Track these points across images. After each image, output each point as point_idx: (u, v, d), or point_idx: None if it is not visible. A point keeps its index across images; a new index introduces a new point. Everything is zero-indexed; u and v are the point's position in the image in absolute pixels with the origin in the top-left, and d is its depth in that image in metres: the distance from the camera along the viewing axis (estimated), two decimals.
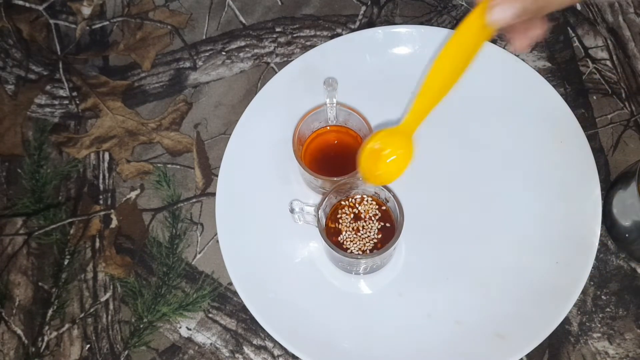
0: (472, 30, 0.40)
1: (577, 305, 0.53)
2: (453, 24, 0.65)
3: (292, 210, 0.49)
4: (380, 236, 0.51)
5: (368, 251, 0.50)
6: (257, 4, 0.68)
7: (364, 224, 0.51)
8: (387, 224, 0.51)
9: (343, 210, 0.52)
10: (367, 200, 0.52)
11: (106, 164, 0.61)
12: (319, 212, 0.49)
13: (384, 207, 0.52)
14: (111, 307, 0.55)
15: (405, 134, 0.45)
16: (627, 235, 0.53)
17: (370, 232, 0.51)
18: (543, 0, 0.39)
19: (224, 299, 0.55)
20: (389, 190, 0.49)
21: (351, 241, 0.51)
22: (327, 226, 0.51)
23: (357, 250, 0.51)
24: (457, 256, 0.54)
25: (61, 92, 0.64)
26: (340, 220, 0.52)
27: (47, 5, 0.69)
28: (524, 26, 0.41)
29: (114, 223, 0.58)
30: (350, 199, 0.52)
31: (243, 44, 0.66)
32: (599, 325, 0.52)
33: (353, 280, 0.54)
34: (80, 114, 0.63)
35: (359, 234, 0.51)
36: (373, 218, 0.52)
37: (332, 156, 0.56)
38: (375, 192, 0.52)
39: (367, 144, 0.46)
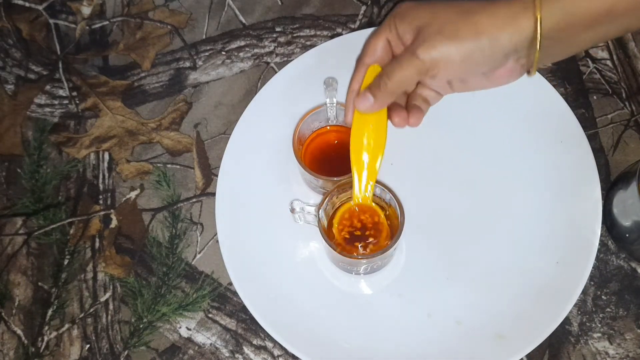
0: (359, 115, 0.49)
1: (578, 305, 0.53)
2: None
3: (292, 210, 0.49)
4: (380, 237, 0.51)
5: (368, 252, 0.50)
6: (257, 4, 0.68)
7: (365, 224, 0.51)
8: (388, 224, 0.51)
9: (344, 210, 0.52)
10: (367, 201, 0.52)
11: (106, 164, 0.61)
12: (320, 212, 0.49)
13: (384, 207, 0.52)
14: (111, 307, 0.55)
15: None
16: (627, 235, 0.53)
17: (371, 233, 0.51)
18: (393, 85, 0.46)
19: (223, 299, 0.55)
20: (390, 191, 0.49)
21: (351, 241, 0.51)
22: (327, 226, 0.51)
23: (357, 251, 0.51)
24: (457, 256, 0.54)
25: (61, 92, 0.64)
26: (341, 220, 0.52)
27: (46, 5, 0.69)
28: (402, 111, 0.49)
29: (114, 223, 0.58)
30: (351, 199, 0.52)
31: (243, 43, 0.66)
32: (599, 326, 0.52)
33: (353, 280, 0.54)
34: (80, 113, 0.63)
35: (360, 234, 0.51)
36: (374, 218, 0.51)
37: (332, 156, 0.56)
38: (376, 193, 0.52)
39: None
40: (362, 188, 0.50)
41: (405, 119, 0.49)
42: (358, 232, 0.50)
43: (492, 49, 0.42)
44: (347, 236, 0.50)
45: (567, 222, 0.54)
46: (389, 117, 0.49)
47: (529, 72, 0.45)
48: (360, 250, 0.50)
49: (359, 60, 0.50)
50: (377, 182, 0.50)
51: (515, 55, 0.42)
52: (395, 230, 0.49)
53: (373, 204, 0.51)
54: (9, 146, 0.62)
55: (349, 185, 0.51)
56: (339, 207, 0.52)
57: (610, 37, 0.45)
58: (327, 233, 0.50)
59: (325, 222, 0.51)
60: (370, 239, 0.50)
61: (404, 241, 0.54)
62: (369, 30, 0.62)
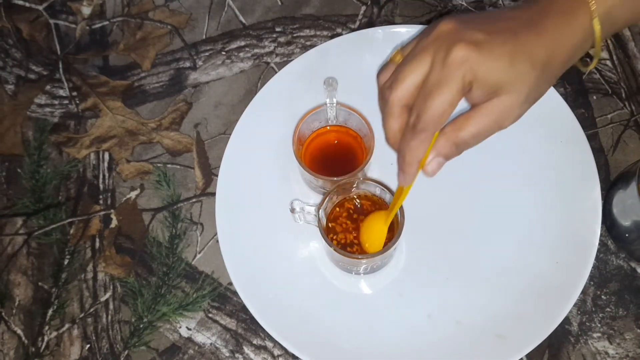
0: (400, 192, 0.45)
1: (577, 305, 0.53)
2: None
3: (292, 210, 0.49)
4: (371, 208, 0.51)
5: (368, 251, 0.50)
6: (257, 4, 0.68)
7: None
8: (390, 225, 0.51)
9: (344, 210, 0.52)
10: (367, 201, 0.52)
11: (106, 164, 0.61)
12: (320, 212, 0.49)
13: (385, 207, 0.52)
14: (111, 307, 0.55)
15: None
16: (627, 235, 0.53)
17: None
18: (461, 149, 0.41)
19: (223, 298, 0.55)
20: (390, 191, 0.49)
21: (351, 241, 0.51)
22: (327, 226, 0.51)
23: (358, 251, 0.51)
24: (457, 256, 0.54)
25: (61, 92, 0.64)
26: (341, 220, 0.52)
27: (47, 5, 0.69)
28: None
29: (114, 223, 0.58)
30: (351, 199, 0.52)
31: (243, 43, 0.66)
32: (599, 325, 0.52)
33: (353, 280, 0.54)
34: (80, 113, 0.63)
35: (360, 234, 0.51)
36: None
37: (332, 156, 0.56)
38: (376, 193, 0.52)
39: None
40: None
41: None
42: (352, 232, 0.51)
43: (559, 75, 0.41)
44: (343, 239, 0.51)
45: (566, 222, 0.54)
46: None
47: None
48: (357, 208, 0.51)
49: (423, 126, 0.39)
50: (377, 182, 0.50)
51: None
52: (395, 230, 0.49)
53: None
54: (9, 146, 0.62)
55: (350, 185, 0.51)
56: (338, 207, 0.52)
57: None
58: (327, 233, 0.50)
59: (325, 222, 0.51)
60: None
61: (404, 241, 0.54)
62: (369, 30, 0.62)
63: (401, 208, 0.48)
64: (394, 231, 0.49)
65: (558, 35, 0.40)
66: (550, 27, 0.39)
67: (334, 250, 0.48)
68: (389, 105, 0.41)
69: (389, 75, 0.42)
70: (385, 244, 0.49)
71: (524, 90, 0.39)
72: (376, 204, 0.52)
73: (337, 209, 0.52)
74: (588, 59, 0.43)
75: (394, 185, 0.51)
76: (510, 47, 0.38)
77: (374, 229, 0.50)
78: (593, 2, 0.39)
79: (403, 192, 0.45)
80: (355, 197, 0.52)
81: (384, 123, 0.42)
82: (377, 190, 0.51)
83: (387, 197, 0.50)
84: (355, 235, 0.51)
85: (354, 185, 0.51)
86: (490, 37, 0.38)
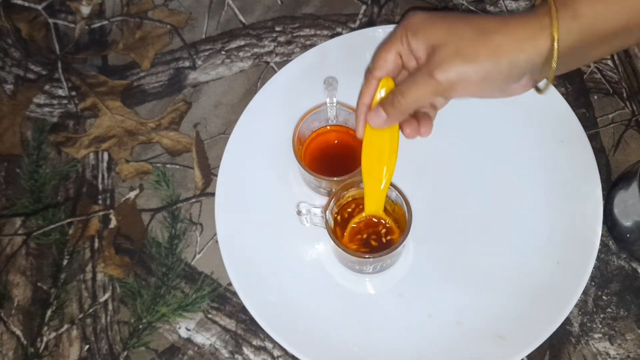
0: (370, 130, 0.49)
1: (578, 305, 0.52)
2: None
3: (299, 213, 0.49)
4: (388, 235, 0.51)
5: (377, 250, 0.50)
6: (256, 3, 0.68)
7: (372, 223, 0.51)
8: (395, 223, 0.51)
9: (350, 210, 0.52)
10: None
11: (105, 164, 0.60)
12: (327, 214, 0.49)
13: (391, 206, 0.52)
14: (110, 307, 0.55)
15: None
16: (628, 235, 0.53)
17: (378, 232, 0.51)
18: (407, 104, 0.45)
19: (223, 299, 0.54)
20: (396, 188, 0.49)
21: (359, 241, 0.51)
22: (334, 227, 0.51)
23: (365, 250, 0.50)
24: (457, 256, 0.54)
25: (60, 92, 0.64)
26: (348, 221, 0.52)
27: (46, 5, 0.69)
28: (413, 122, 0.48)
29: (113, 223, 0.58)
30: (356, 199, 0.52)
31: (243, 43, 0.66)
32: (600, 326, 0.52)
33: (353, 280, 0.53)
34: (79, 113, 0.63)
35: (367, 233, 0.51)
36: (380, 217, 0.51)
37: (332, 156, 0.56)
38: None
39: None
40: (374, 200, 0.50)
41: (417, 129, 0.48)
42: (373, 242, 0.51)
43: (510, 69, 0.41)
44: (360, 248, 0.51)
45: (567, 222, 0.54)
46: (400, 128, 0.49)
47: (538, 89, 0.46)
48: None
49: (369, 72, 0.48)
50: None
51: (530, 72, 0.42)
52: (402, 228, 0.49)
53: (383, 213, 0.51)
54: (8, 146, 0.62)
55: (355, 185, 0.51)
56: (346, 208, 0.52)
57: (624, 48, 0.45)
58: (335, 234, 0.50)
59: (332, 223, 0.51)
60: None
61: (411, 240, 0.54)
62: (370, 30, 0.62)
63: (408, 205, 0.48)
64: (401, 229, 0.49)
65: (514, 31, 0.41)
66: (510, 32, 0.41)
67: (343, 250, 0.48)
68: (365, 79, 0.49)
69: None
70: (393, 242, 0.49)
71: (457, 44, 0.42)
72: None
73: (345, 208, 0.52)
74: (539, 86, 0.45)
75: (398, 184, 0.50)
76: (457, 20, 0.43)
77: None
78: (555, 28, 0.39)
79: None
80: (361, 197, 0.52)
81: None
82: None
83: (393, 195, 0.50)
84: (364, 235, 0.51)
85: (360, 185, 0.51)
86: (444, 16, 0.44)
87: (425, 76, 0.43)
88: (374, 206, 0.50)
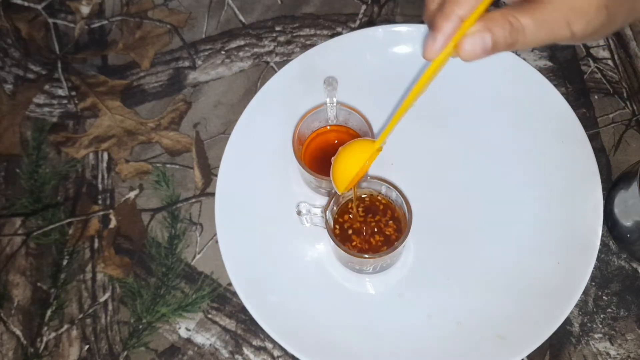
0: (442, 61, 0.36)
1: (579, 305, 0.52)
2: None
3: (299, 213, 0.49)
4: (388, 235, 0.51)
5: (378, 250, 0.50)
6: (256, 3, 0.67)
7: (372, 223, 0.51)
8: (395, 223, 0.51)
9: (350, 210, 0.52)
10: (373, 199, 0.52)
11: (105, 164, 0.60)
12: (327, 214, 0.49)
13: (391, 206, 0.52)
14: (110, 307, 0.55)
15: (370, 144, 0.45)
16: (628, 235, 0.53)
17: (378, 231, 0.51)
18: (515, 36, 0.34)
19: (223, 299, 0.54)
20: (396, 188, 0.49)
21: (360, 241, 0.51)
22: (334, 227, 0.51)
23: (366, 250, 0.50)
24: (457, 256, 0.54)
25: (60, 92, 0.64)
26: (348, 221, 0.52)
27: (45, 4, 0.69)
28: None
29: (113, 223, 0.58)
30: (356, 199, 0.52)
31: (242, 43, 0.65)
32: (600, 326, 0.52)
33: (353, 280, 0.53)
34: (79, 113, 0.63)
35: (367, 233, 0.51)
36: (381, 217, 0.51)
37: (332, 156, 0.56)
38: (382, 191, 0.52)
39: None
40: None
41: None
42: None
43: None
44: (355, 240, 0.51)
45: (568, 222, 0.53)
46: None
47: None
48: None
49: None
50: (382, 180, 0.50)
51: None
52: (402, 229, 0.49)
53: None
54: (8, 146, 0.62)
55: (355, 185, 0.51)
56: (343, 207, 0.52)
57: None
58: (335, 234, 0.50)
59: (332, 223, 0.50)
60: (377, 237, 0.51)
61: (411, 240, 0.54)
62: (370, 29, 0.62)
63: (408, 205, 0.48)
64: (402, 229, 0.49)
65: None
66: None
67: (343, 251, 0.48)
68: None
69: None
70: (394, 240, 0.49)
71: None
72: (382, 203, 0.52)
73: (345, 208, 0.52)
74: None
75: (398, 184, 0.50)
76: None
77: (351, 159, 0.45)
78: None
79: (424, 74, 0.36)
80: (361, 196, 0.52)
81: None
82: (383, 189, 0.51)
83: (393, 195, 0.50)
84: (364, 235, 0.51)
85: (360, 185, 0.51)
86: None
87: (562, 23, 0.34)
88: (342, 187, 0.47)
